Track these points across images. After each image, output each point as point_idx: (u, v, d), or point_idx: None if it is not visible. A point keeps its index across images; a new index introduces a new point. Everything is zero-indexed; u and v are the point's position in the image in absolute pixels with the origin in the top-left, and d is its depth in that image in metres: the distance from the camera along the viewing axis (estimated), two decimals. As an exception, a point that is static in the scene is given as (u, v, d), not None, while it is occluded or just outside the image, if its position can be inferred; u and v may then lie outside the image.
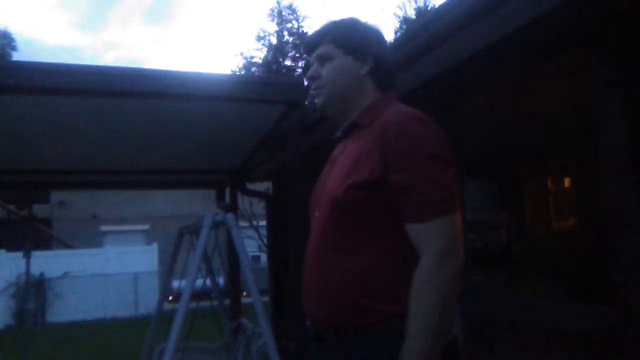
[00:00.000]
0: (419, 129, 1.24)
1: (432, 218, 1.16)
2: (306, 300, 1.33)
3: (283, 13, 20.53)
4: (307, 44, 1.47)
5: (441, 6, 2.47)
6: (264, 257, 10.80)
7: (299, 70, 19.23)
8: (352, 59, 1.38)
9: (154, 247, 15.11)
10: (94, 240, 16.97)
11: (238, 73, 18.81)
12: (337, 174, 1.32)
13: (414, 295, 1.13)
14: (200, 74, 2.93)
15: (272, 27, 20.57)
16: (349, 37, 1.40)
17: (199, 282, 3.04)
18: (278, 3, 20.65)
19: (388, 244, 1.22)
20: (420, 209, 1.17)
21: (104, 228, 18.07)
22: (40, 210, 18.84)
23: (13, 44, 22.86)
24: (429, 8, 19.15)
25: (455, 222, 1.18)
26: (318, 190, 1.41)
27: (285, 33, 20.38)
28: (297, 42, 19.79)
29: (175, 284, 4.53)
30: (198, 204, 11.89)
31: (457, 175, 1.23)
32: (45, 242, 16.36)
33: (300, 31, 20.09)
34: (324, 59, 1.40)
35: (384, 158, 1.21)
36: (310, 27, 21.20)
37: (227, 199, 5.14)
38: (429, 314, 1.11)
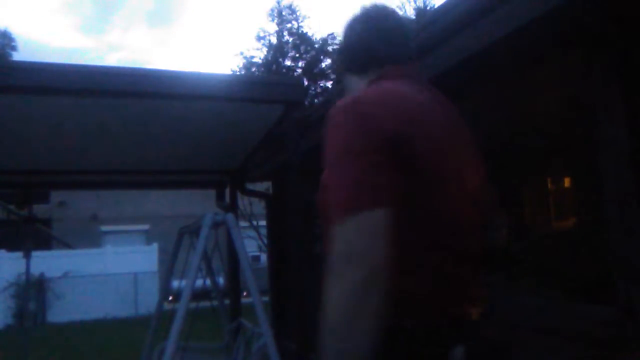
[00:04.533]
0: (337, 120, 1.06)
1: (336, 221, 0.95)
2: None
3: (283, 13, 20.52)
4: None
5: (440, 6, 2.47)
6: (264, 257, 10.79)
7: (299, 70, 19.23)
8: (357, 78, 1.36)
9: (154, 247, 15.12)
10: (94, 240, 16.97)
11: (238, 73, 18.82)
12: None
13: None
14: (200, 74, 2.93)
15: (272, 27, 20.57)
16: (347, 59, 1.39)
17: (199, 282, 3.04)
18: (278, 3, 20.65)
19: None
20: (330, 210, 0.98)
21: (104, 228, 18.07)
22: (40, 210, 18.79)
23: (13, 44, 22.89)
24: (428, 8, 19.15)
25: (364, 223, 0.92)
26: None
27: (285, 33, 20.37)
28: (297, 42, 19.79)
29: (175, 284, 4.53)
30: (198, 204, 11.88)
31: (380, 164, 0.98)
32: (45, 242, 16.34)
33: (300, 31, 20.09)
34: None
35: None
36: (310, 27, 21.13)
37: (227, 199, 5.14)
38: (322, 336, 0.91)
